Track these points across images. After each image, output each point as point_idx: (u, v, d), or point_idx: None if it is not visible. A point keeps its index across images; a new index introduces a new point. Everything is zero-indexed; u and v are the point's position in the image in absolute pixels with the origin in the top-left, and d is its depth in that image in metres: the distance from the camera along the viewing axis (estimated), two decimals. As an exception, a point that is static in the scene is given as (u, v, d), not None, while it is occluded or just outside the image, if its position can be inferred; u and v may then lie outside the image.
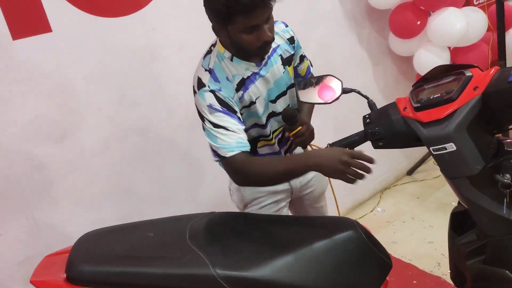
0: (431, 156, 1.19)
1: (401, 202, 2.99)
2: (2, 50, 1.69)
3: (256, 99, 1.46)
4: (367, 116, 1.32)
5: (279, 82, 1.51)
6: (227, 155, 1.34)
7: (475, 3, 3.01)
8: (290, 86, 1.55)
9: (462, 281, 1.35)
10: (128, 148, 2.03)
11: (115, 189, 2.03)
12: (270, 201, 1.64)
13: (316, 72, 1.66)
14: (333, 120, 2.72)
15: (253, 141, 1.54)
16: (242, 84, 1.43)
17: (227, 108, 1.37)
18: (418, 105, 1.18)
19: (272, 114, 1.53)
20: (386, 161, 3.15)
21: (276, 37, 1.50)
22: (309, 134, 1.57)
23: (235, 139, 1.34)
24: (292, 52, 1.56)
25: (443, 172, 1.20)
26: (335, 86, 1.40)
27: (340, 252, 1.18)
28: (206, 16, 1.38)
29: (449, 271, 1.41)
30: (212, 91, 1.37)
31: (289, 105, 1.57)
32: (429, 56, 2.69)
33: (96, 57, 1.90)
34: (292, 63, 1.57)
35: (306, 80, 1.47)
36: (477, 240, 1.26)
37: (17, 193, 1.79)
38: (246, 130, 1.42)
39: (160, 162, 2.14)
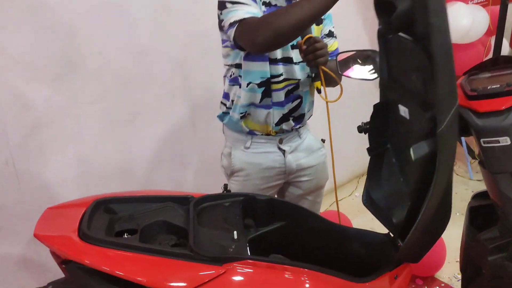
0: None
1: (378, 189, 3.02)
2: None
3: None
4: None
5: None
6: (241, 17, 1.31)
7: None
8: None
9: (474, 275, 1.35)
10: (126, 102, 1.89)
11: (106, 143, 1.88)
12: (258, 176, 1.59)
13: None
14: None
15: (263, 84, 1.49)
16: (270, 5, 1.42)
17: None
18: (474, 93, 1.14)
19: (286, 60, 1.48)
20: (363, 148, 3.15)
21: None
22: (324, 52, 1.38)
23: (247, 10, 1.33)
24: (322, 18, 1.53)
25: (486, 165, 1.18)
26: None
27: None
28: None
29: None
30: None
31: None
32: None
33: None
34: (321, 26, 1.54)
35: (347, 53, 1.39)
36: (500, 237, 1.25)
37: (-2, 133, 1.60)
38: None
39: (159, 120, 2.01)
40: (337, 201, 1.57)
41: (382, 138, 1.26)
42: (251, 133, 1.57)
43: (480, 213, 1.36)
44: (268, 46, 1.31)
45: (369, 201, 1.34)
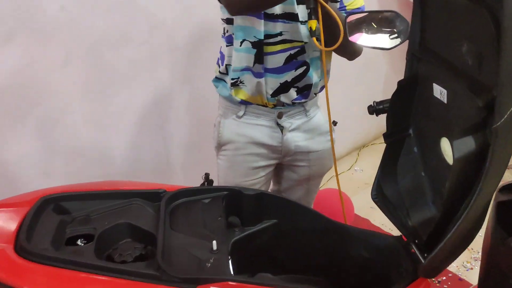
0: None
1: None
2: None
3: None
4: None
5: None
6: None
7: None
8: None
9: (498, 282, 1.17)
10: (94, 67, 1.63)
11: (73, 114, 1.63)
12: (249, 151, 1.37)
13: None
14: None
15: (256, 45, 1.26)
16: None
17: None
18: None
19: (289, 16, 1.24)
20: (364, 117, 2.92)
21: None
22: None
23: None
24: None
25: None
26: (399, 27, 1.07)
27: None
28: None
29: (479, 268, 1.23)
30: None
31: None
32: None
33: None
34: None
35: (359, 14, 1.13)
36: (536, 244, 1.06)
37: None
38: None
39: (136, 88, 1.76)
40: (337, 178, 1.32)
41: (404, 122, 1.04)
42: (243, 102, 1.34)
43: (509, 209, 1.17)
44: (245, 6, 1.14)
45: (380, 197, 1.15)
